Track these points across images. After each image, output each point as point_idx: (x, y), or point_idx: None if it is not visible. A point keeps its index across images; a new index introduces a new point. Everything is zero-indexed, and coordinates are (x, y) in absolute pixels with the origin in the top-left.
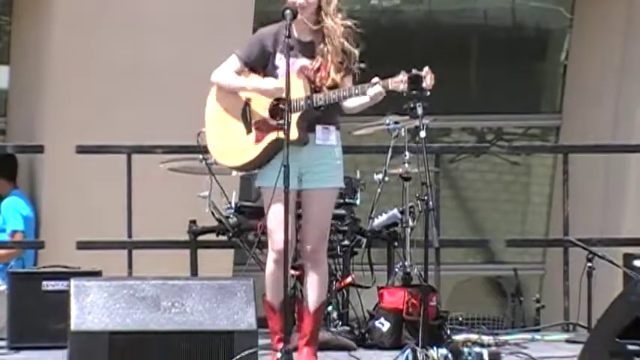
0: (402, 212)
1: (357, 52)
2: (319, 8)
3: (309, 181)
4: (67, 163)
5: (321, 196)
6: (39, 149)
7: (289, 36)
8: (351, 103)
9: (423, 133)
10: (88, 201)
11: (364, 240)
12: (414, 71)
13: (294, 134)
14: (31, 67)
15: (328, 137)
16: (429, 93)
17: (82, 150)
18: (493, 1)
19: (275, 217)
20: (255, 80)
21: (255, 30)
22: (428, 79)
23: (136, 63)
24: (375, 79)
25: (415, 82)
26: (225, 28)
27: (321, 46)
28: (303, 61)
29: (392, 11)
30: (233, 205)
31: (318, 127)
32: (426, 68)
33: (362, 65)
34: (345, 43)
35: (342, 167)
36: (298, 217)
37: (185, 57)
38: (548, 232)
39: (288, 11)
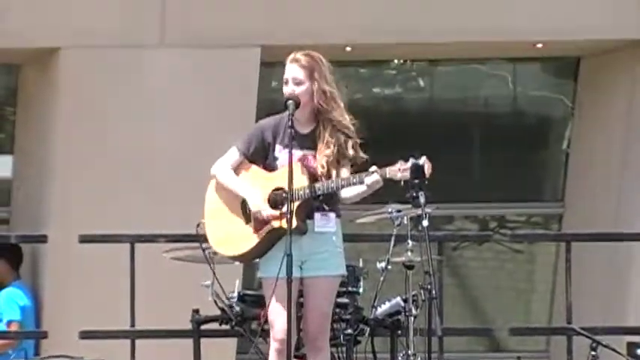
0: (405, 300)
1: (357, 141)
2: (313, 100)
3: (310, 268)
4: (71, 252)
5: (323, 284)
6: (42, 239)
7: (292, 126)
8: (348, 193)
9: (425, 222)
10: (91, 290)
11: (367, 328)
12: (411, 160)
13: (293, 223)
14: (34, 156)
15: (327, 224)
16: (426, 182)
17: (85, 239)
18: (495, 89)
19: (276, 307)
20: (243, 186)
21: (258, 120)
22: (426, 168)
23: (140, 152)
24: (373, 168)
25: (414, 171)
26: (230, 119)
27: (320, 137)
28: (303, 152)
29: (394, 99)
30: (236, 294)
31: (317, 215)
32: (424, 157)
33: (363, 156)
34: (343, 135)
35: (342, 255)
36: (300, 305)
37: (189, 147)
38: (552, 320)
39: (290, 102)
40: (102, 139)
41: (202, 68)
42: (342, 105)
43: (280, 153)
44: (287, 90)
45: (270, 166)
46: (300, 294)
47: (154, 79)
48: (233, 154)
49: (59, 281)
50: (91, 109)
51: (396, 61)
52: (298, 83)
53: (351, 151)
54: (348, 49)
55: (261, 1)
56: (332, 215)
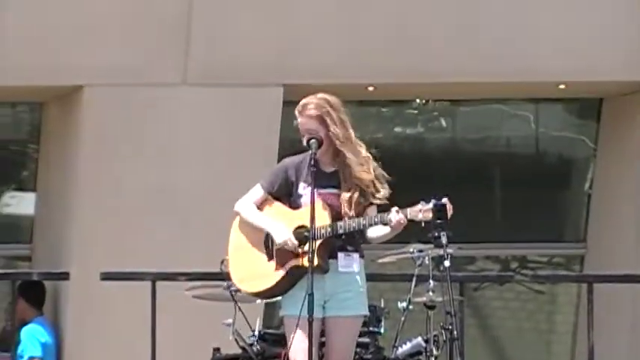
0: (426, 341)
1: (383, 182)
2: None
3: (332, 308)
4: (92, 290)
5: (345, 324)
6: (64, 276)
7: (315, 165)
8: (374, 233)
9: (447, 263)
10: (112, 327)
11: None
12: (433, 201)
13: (314, 261)
14: (57, 194)
15: (351, 264)
16: (447, 222)
17: (107, 277)
18: (516, 129)
19: (298, 346)
20: (267, 220)
21: (280, 158)
22: (447, 209)
23: (162, 190)
24: (395, 209)
25: (436, 211)
26: (252, 157)
27: (343, 175)
28: (327, 191)
29: (415, 139)
30: (257, 333)
31: (340, 255)
32: (445, 199)
33: (386, 193)
34: (366, 174)
35: (365, 295)
36: (321, 345)
37: (210, 185)
38: None
39: (313, 141)
40: (124, 177)
41: (224, 107)
42: (359, 147)
43: (304, 191)
44: (304, 140)
45: (294, 203)
46: (322, 333)
47: (176, 117)
48: (257, 192)
49: (80, 318)
50: (113, 147)
51: (418, 100)
52: (312, 132)
53: (373, 191)
54: (371, 88)
55: (284, 40)
56: (355, 256)
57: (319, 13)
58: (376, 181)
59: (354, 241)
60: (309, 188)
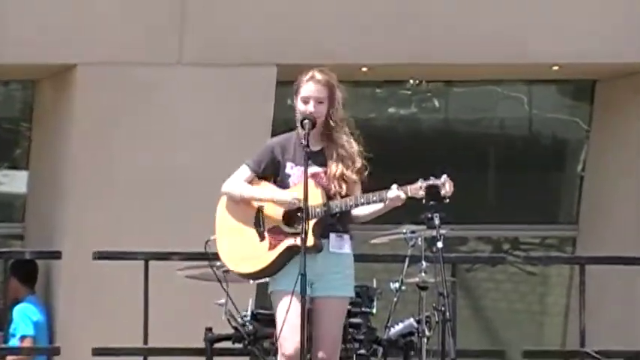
0: (418, 322)
1: (363, 162)
2: (327, 118)
3: (321, 288)
4: (85, 269)
5: (334, 304)
6: (56, 255)
7: (308, 145)
8: (362, 211)
9: (440, 244)
10: (105, 307)
11: (380, 349)
12: (431, 180)
13: (310, 241)
14: (49, 172)
15: (342, 245)
16: (447, 201)
17: (100, 256)
18: (510, 110)
19: (287, 324)
20: (270, 190)
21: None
22: (447, 187)
23: (155, 170)
24: (394, 186)
25: (433, 192)
26: (246, 137)
27: (331, 154)
28: (315, 169)
29: (409, 119)
30: (249, 313)
31: (332, 235)
32: (444, 176)
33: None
34: (351, 150)
35: (353, 277)
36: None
37: (204, 165)
38: (565, 343)
39: (306, 121)
40: (118, 156)
41: (218, 86)
42: (346, 127)
43: (292, 170)
44: (308, 108)
45: (282, 183)
46: (308, 312)
47: (170, 96)
48: (244, 172)
49: (73, 297)
50: (106, 126)
51: (411, 81)
52: (320, 102)
53: (359, 167)
54: (364, 69)
55: (279, 20)
56: (346, 237)
57: None
58: (358, 158)
59: (345, 221)
60: (297, 167)
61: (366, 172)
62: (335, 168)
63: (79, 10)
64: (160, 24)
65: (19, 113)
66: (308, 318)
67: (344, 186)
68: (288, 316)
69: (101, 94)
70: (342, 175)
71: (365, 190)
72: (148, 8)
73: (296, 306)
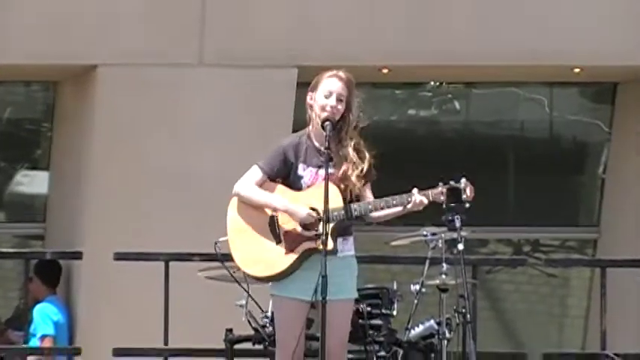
0: (438, 324)
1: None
2: (341, 119)
3: (328, 291)
4: (105, 269)
5: (342, 307)
6: (77, 255)
7: (329, 147)
8: (381, 212)
9: (460, 246)
10: (125, 307)
11: (400, 351)
12: (451, 183)
13: (329, 245)
14: (71, 173)
15: (350, 248)
16: (468, 205)
17: (120, 257)
18: (531, 113)
19: (289, 329)
20: (283, 200)
21: None
22: (468, 191)
23: (175, 171)
24: (415, 190)
25: (453, 194)
26: (265, 138)
27: (343, 156)
28: (329, 171)
29: (429, 121)
30: (269, 314)
31: (339, 239)
32: (464, 180)
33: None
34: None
35: (356, 278)
36: (307, 328)
37: (224, 165)
38: (585, 346)
39: (328, 123)
40: (138, 157)
41: (239, 88)
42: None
43: (304, 172)
44: (329, 102)
45: (294, 185)
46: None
47: (190, 98)
48: (256, 174)
49: (93, 298)
50: (127, 127)
51: (432, 83)
52: (341, 100)
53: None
54: (384, 70)
55: (299, 22)
56: (350, 239)
57: None
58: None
59: (350, 224)
60: (310, 169)
61: (375, 177)
62: (345, 170)
63: (100, 12)
64: (181, 25)
65: (41, 114)
66: (310, 323)
67: (353, 188)
68: (290, 321)
69: (122, 96)
70: (351, 177)
71: (380, 191)
72: (169, 9)
73: (296, 312)
